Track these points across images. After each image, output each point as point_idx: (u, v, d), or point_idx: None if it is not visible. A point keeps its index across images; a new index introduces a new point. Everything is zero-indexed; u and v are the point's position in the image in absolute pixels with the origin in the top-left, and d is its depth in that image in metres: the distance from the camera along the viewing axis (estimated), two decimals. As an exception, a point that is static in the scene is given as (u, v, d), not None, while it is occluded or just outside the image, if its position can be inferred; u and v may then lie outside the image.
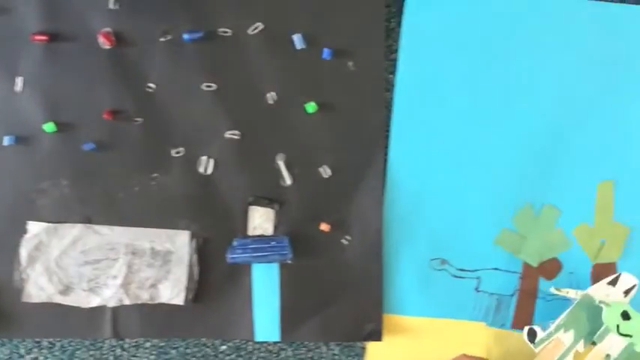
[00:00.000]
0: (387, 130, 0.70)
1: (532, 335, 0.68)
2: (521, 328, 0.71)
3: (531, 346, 0.68)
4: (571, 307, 0.68)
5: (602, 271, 0.72)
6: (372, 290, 0.70)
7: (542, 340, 0.68)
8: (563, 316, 0.67)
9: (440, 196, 0.70)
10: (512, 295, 0.71)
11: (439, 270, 0.71)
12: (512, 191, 0.71)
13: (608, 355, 0.67)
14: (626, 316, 0.66)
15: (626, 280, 0.68)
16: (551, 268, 0.72)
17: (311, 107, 0.68)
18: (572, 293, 0.68)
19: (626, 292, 0.68)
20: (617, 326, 0.66)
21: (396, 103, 0.70)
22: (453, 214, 0.71)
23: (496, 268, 0.71)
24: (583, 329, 0.67)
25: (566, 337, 0.67)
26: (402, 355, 0.71)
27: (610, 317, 0.66)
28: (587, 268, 0.72)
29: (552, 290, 0.69)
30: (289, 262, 0.69)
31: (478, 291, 0.71)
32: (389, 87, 0.70)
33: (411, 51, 0.70)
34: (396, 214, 0.70)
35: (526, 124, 0.71)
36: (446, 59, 0.70)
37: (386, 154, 0.70)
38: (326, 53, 0.68)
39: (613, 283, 0.68)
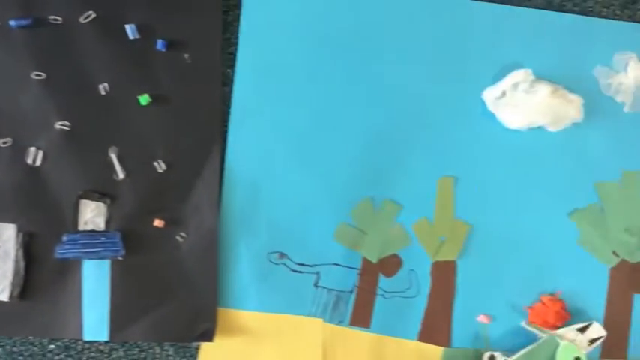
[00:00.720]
0: (226, 125, 0.69)
1: None
2: (360, 325, 0.71)
3: None
4: (535, 344, 0.68)
5: (442, 269, 0.71)
6: (207, 289, 0.69)
7: None
8: (524, 350, 0.68)
9: (279, 190, 0.70)
10: (351, 292, 0.71)
11: (277, 264, 0.70)
12: (352, 185, 0.70)
13: None
14: None
15: (596, 330, 0.68)
16: (391, 265, 0.71)
17: (144, 99, 0.67)
18: (539, 332, 0.68)
19: (591, 342, 0.68)
20: None
21: (235, 97, 0.69)
22: (293, 208, 0.70)
23: (336, 264, 0.71)
24: None
25: None
26: (237, 351, 0.70)
27: (563, 356, 0.66)
28: (427, 265, 0.72)
29: (523, 324, 0.69)
30: (120, 258, 0.67)
31: (317, 286, 0.71)
32: (227, 81, 0.69)
33: (251, 44, 0.69)
34: (234, 207, 0.69)
35: (367, 119, 0.70)
36: (286, 53, 0.70)
37: (224, 148, 0.69)
38: (160, 44, 0.67)
39: (582, 330, 0.68)
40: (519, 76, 0.69)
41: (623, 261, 0.73)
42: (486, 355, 0.69)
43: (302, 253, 0.70)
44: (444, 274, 0.71)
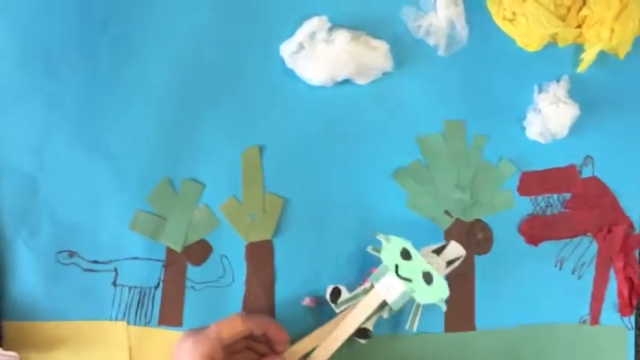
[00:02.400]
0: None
1: (336, 295, 0.60)
2: (170, 324, 0.62)
3: (333, 306, 0.60)
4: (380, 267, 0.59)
5: (257, 251, 0.63)
6: None
7: (346, 302, 0.60)
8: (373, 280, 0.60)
9: (61, 180, 0.62)
10: (156, 287, 0.62)
11: (68, 264, 0.61)
12: (146, 167, 0.62)
13: (385, 304, 0.59)
14: (406, 254, 0.58)
15: (454, 249, 0.60)
16: (199, 252, 0.63)
17: None
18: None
19: (450, 263, 0.60)
20: (397, 267, 0.58)
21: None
22: (79, 199, 0.62)
23: (135, 257, 0.62)
24: None
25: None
26: (31, 369, 0.60)
27: (388, 254, 0.58)
28: (240, 248, 0.63)
29: (369, 249, 0.60)
30: None
31: (116, 285, 0.62)
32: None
33: (4, 24, 0.61)
34: (11, 208, 0.60)
35: (155, 90, 0.63)
36: (46, 26, 0.61)
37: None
38: None
39: (438, 252, 0.60)
40: (313, 24, 0.62)
41: (458, 220, 0.65)
42: (329, 288, 0.61)
43: (95, 250, 0.62)
44: (260, 256, 0.63)
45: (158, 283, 0.63)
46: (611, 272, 0.67)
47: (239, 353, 0.59)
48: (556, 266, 0.66)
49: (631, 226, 0.66)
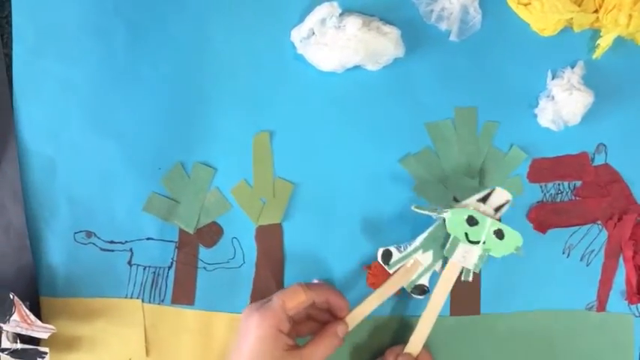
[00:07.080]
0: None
1: (387, 257, 0.61)
2: (183, 303, 0.64)
3: (386, 267, 0.61)
4: (432, 227, 0.60)
5: (267, 234, 0.65)
6: (28, 289, 0.62)
7: (398, 262, 0.61)
8: (422, 236, 0.60)
9: (78, 163, 0.64)
10: (169, 267, 0.64)
11: (85, 244, 0.64)
12: (160, 150, 0.64)
13: (467, 270, 0.60)
14: (472, 221, 0.59)
15: (499, 195, 0.60)
16: (210, 234, 0.65)
17: None
18: (431, 213, 0.60)
19: (497, 209, 0.60)
20: (466, 234, 0.59)
21: (16, 71, 0.63)
22: (95, 181, 0.64)
23: (150, 238, 0.64)
24: (442, 249, 0.60)
25: (425, 258, 0.60)
26: (52, 343, 0.63)
27: (455, 225, 0.59)
28: (250, 231, 0.65)
29: (413, 208, 0.60)
30: None
31: (131, 264, 0.64)
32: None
33: (24, 14, 0.62)
34: (34, 191, 0.63)
35: (170, 77, 0.64)
36: (65, 12, 0.62)
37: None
38: None
39: (484, 200, 0.60)
40: (324, 10, 0.61)
41: (466, 207, 0.65)
42: (380, 250, 0.61)
43: (111, 230, 0.64)
44: (270, 239, 0.65)
45: (171, 264, 0.65)
46: (620, 261, 0.66)
47: (301, 324, 0.61)
48: (564, 253, 0.66)
49: (642, 215, 0.66)
